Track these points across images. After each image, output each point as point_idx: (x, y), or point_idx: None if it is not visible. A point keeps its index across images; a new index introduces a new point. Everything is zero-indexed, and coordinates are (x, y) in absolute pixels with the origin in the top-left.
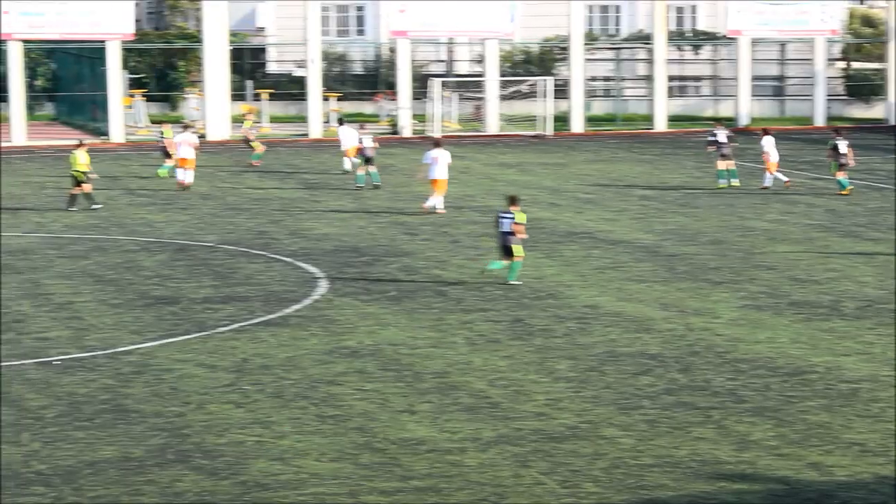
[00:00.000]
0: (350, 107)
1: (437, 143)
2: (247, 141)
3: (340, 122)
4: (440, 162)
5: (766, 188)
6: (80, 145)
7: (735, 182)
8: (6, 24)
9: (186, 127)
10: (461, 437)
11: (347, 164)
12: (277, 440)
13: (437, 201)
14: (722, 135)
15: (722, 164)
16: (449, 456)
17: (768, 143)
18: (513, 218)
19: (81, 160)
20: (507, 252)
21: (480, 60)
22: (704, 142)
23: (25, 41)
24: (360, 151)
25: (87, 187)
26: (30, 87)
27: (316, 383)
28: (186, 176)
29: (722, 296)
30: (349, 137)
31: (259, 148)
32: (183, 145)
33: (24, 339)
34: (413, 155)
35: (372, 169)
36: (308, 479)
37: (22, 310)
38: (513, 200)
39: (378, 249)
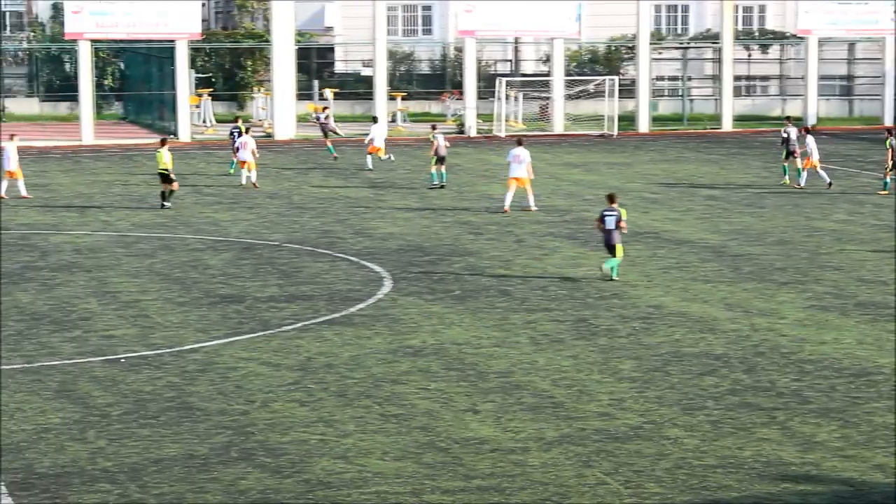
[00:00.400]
0: (416, 106)
1: (519, 142)
2: (332, 132)
3: (375, 119)
4: (522, 160)
5: (801, 187)
6: (163, 143)
7: (801, 183)
8: (76, 24)
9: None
10: (524, 437)
11: (370, 162)
12: (341, 439)
13: (529, 199)
14: (793, 132)
15: (791, 162)
16: (512, 455)
17: (810, 142)
18: (617, 214)
19: (165, 158)
20: (611, 249)
21: (547, 60)
22: (778, 140)
23: (94, 41)
24: (435, 151)
25: (173, 185)
26: (98, 87)
27: (379, 382)
28: (252, 176)
29: (787, 296)
30: (379, 135)
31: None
32: (242, 148)
33: (91, 336)
34: (479, 154)
35: (443, 168)
36: (371, 478)
37: (89, 308)
38: (611, 198)
39: (442, 249)
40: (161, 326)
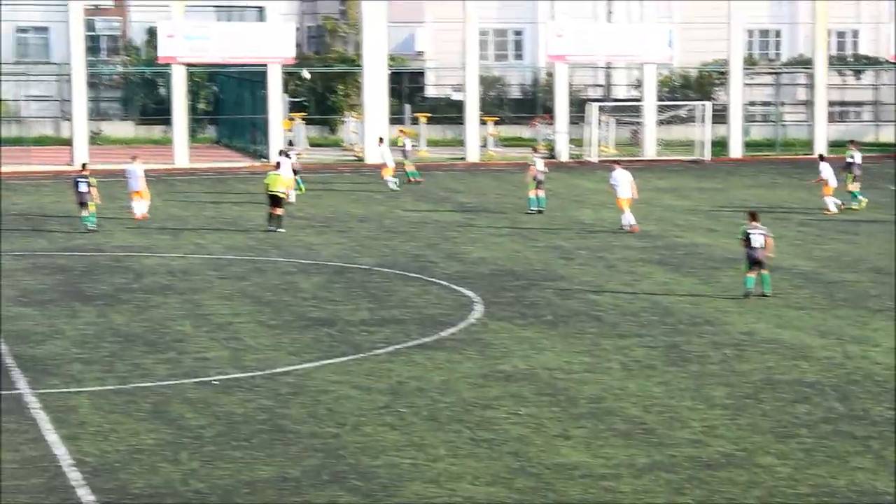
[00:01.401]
0: (507, 131)
1: (617, 163)
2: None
3: (381, 140)
4: (623, 182)
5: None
6: (277, 166)
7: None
8: (170, 48)
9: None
10: (616, 463)
11: (392, 184)
12: (432, 463)
13: (627, 218)
14: (858, 157)
15: (854, 186)
16: (603, 482)
17: (825, 169)
18: (764, 232)
19: (285, 181)
20: (755, 265)
21: (638, 85)
22: (843, 164)
23: (188, 65)
24: (533, 176)
25: (282, 210)
26: (192, 110)
27: (471, 407)
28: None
29: (881, 324)
30: (389, 157)
31: (411, 166)
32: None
33: (185, 358)
34: (570, 179)
35: (541, 193)
36: (462, 503)
37: (183, 330)
38: (753, 216)
39: (534, 273)
40: (253, 349)
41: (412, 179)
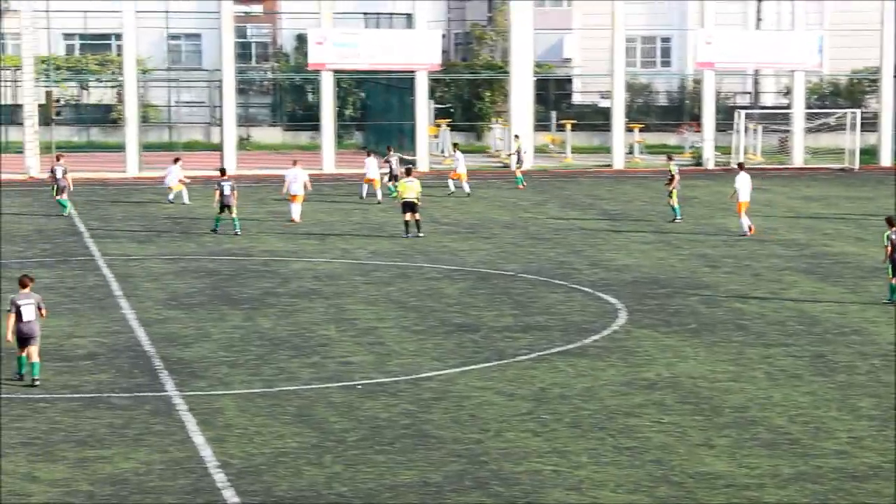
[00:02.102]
0: (653, 138)
1: (740, 167)
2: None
3: (455, 146)
4: (744, 185)
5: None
6: (408, 173)
7: None
8: (319, 55)
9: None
10: (759, 473)
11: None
12: (574, 470)
13: (745, 222)
14: None
15: None
16: (747, 491)
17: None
18: None
19: (415, 188)
20: None
21: (787, 92)
22: None
23: (337, 71)
24: (672, 183)
25: (416, 215)
26: (339, 116)
27: (613, 414)
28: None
29: None
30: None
31: (519, 172)
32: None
33: (329, 362)
34: (717, 187)
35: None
36: None
37: (328, 334)
38: (890, 221)
39: (678, 281)
40: (397, 354)
41: (520, 186)
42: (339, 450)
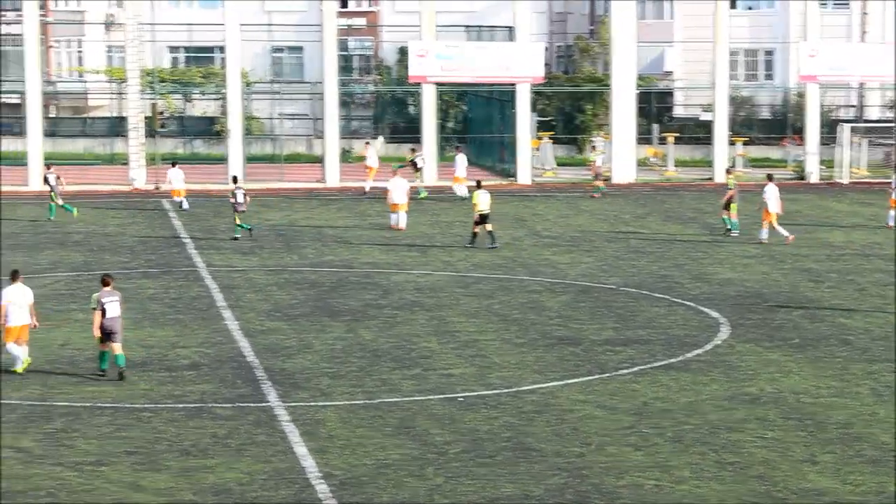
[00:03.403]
0: (756, 151)
1: (770, 178)
2: (596, 175)
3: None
4: (773, 196)
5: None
6: (478, 185)
7: None
8: (421, 67)
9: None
10: (864, 490)
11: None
12: (676, 485)
13: (765, 233)
14: None
15: None
16: None
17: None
18: None
19: (486, 200)
20: None
21: (893, 106)
22: None
23: (438, 84)
24: (729, 198)
25: (488, 226)
26: (441, 129)
27: (716, 429)
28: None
29: None
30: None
31: (600, 183)
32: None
33: (431, 374)
34: (820, 201)
35: (725, 214)
36: None
37: (429, 346)
38: None
39: (781, 296)
40: (498, 366)
41: (595, 195)
42: (441, 462)
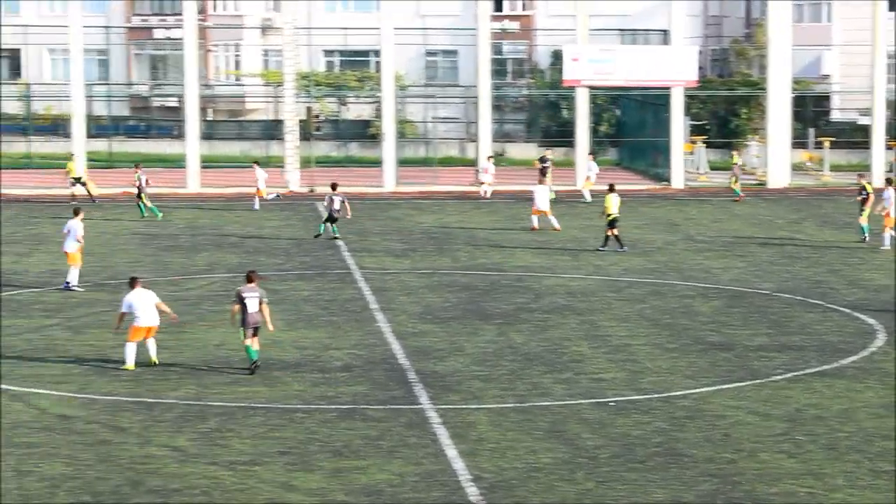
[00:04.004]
0: None
1: (889, 182)
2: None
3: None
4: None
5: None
6: (611, 189)
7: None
8: (575, 71)
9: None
10: None
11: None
12: (829, 493)
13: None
14: None
15: None
16: None
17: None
18: None
19: (613, 203)
20: None
21: None
22: None
23: (592, 87)
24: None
25: (615, 230)
26: (594, 133)
27: (871, 437)
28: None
29: None
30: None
31: (736, 185)
32: (538, 195)
33: (582, 379)
34: None
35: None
36: None
37: (580, 350)
38: None
39: None
40: (650, 371)
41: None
42: (591, 466)
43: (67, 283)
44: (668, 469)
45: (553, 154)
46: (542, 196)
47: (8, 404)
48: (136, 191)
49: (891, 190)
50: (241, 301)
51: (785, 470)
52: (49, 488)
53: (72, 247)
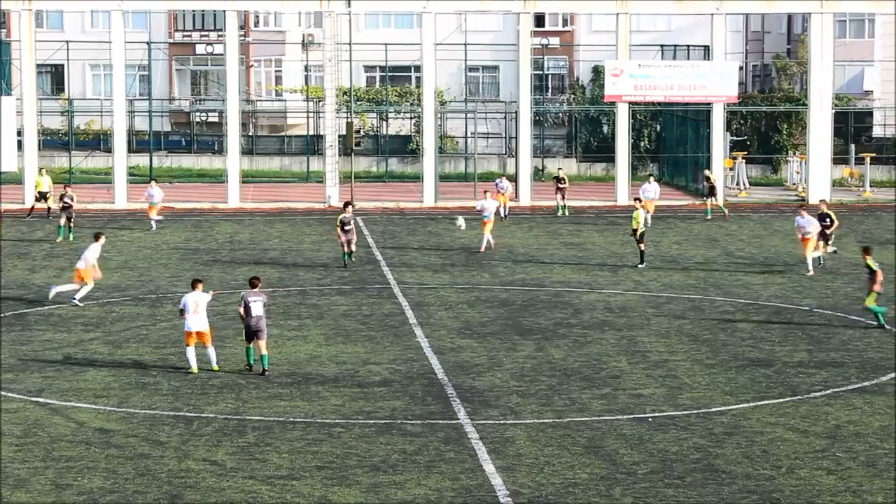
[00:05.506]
0: None
1: None
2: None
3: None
4: None
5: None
6: (637, 201)
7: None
8: (615, 87)
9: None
10: None
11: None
12: None
13: None
14: None
15: None
16: None
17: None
18: None
19: (641, 218)
20: None
21: None
22: None
23: (633, 103)
24: None
25: (642, 245)
26: (634, 148)
27: None
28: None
29: None
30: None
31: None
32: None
33: (620, 394)
34: None
35: None
36: None
37: (619, 366)
38: None
39: None
40: (689, 387)
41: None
42: (629, 482)
43: (73, 297)
44: (706, 485)
45: (564, 172)
46: (491, 210)
47: (47, 417)
48: (60, 209)
49: None
50: (247, 306)
51: (824, 487)
52: (88, 502)
53: (83, 265)
